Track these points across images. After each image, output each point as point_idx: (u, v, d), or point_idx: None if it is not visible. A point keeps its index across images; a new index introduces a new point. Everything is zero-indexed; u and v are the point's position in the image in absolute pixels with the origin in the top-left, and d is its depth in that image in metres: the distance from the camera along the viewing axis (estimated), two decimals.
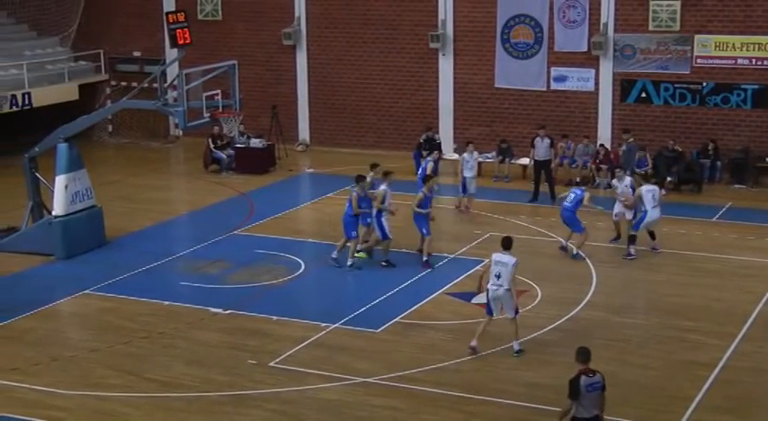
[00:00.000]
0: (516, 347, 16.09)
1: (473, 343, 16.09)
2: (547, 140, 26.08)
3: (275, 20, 32.36)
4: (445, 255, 21.18)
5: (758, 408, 14.32)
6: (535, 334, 16.96)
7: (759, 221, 23.82)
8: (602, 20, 28.81)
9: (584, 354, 12.16)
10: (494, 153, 28.86)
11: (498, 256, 16.17)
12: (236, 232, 23.15)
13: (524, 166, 28.36)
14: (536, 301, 18.53)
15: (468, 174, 24.51)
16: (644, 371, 15.45)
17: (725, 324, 17.34)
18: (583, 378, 11.98)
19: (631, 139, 26.33)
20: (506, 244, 16.34)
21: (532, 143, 26.35)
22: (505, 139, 29.01)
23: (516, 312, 16.21)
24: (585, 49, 29.13)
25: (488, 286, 16.15)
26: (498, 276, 15.99)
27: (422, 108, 31.28)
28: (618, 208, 21.87)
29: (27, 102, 30.67)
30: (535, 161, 26.18)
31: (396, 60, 31.37)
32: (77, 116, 23.00)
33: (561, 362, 15.85)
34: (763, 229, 23.26)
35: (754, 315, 17.79)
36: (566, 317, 17.74)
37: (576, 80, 29.38)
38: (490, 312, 16.23)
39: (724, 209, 24.95)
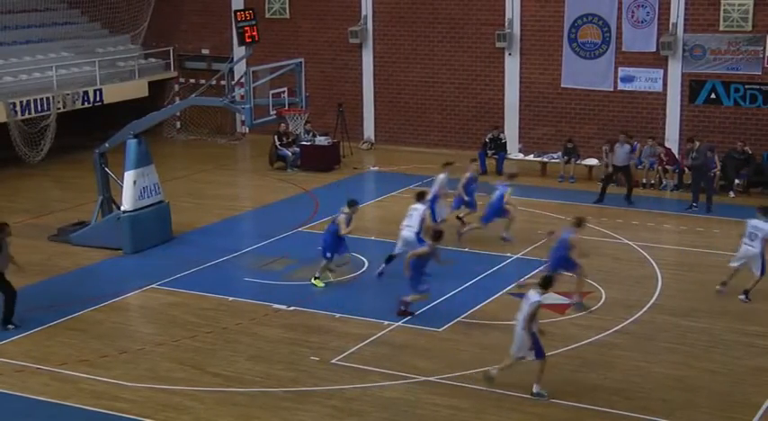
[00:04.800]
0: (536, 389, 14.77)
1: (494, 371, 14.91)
2: (627, 146, 25.71)
3: (342, 18, 32.51)
4: (509, 255, 21.14)
5: None
6: (599, 336, 16.83)
7: None
8: (672, 20, 28.49)
9: None
10: (559, 153, 28.70)
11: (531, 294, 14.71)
12: (300, 229, 23.32)
13: (590, 167, 28.15)
14: (600, 303, 18.39)
15: None
16: (710, 376, 15.26)
17: None
18: None
19: (698, 145, 25.67)
20: (544, 283, 14.84)
21: (612, 148, 25.98)
22: (571, 140, 28.83)
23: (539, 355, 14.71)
24: (654, 49, 28.83)
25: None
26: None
27: (487, 107, 31.20)
28: (742, 251, 18.55)
29: (98, 98, 31.22)
30: (614, 166, 25.79)
31: (462, 59, 31.33)
32: (147, 113, 23.35)
33: (625, 364, 15.77)
34: None
35: None
36: (630, 320, 17.59)
37: (644, 81, 29.09)
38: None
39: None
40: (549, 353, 15.95)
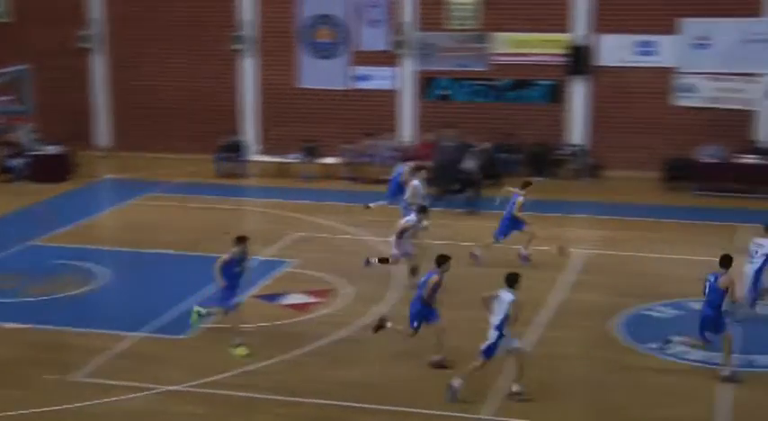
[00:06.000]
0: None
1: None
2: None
3: (71, 22, 31.26)
4: (251, 257, 20.88)
5: (553, 393, 14.63)
6: (345, 332, 16.90)
7: (556, 212, 24.59)
8: (403, 19, 29.21)
9: None
10: (300, 154, 28.78)
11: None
12: (32, 242, 22.19)
13: (329, 165, 28.45)
14: (344, 300, 18.49)
15: None
16: (454, 363, 15.58)
17: (525, 312, 17.61)
18: None
19: (452, 133, 26.37)
20: (511, 280, 14.31)
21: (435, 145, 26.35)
22: (311, 139, 29.00)
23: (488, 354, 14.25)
24: (387, 47, 29.46)
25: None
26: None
27: (226, 110, 30.88)
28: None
29: None
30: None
31: (199, 62, 30.89)
32: None
33: (371, 358, 15.90)
34: (559, 219, 24.04)
35: (550, 302, 18.27)
36: (377, 315, 17.70)
37: (379, 79, 29.68)
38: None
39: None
40: (298, 352, 15.97)
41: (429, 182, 24.85)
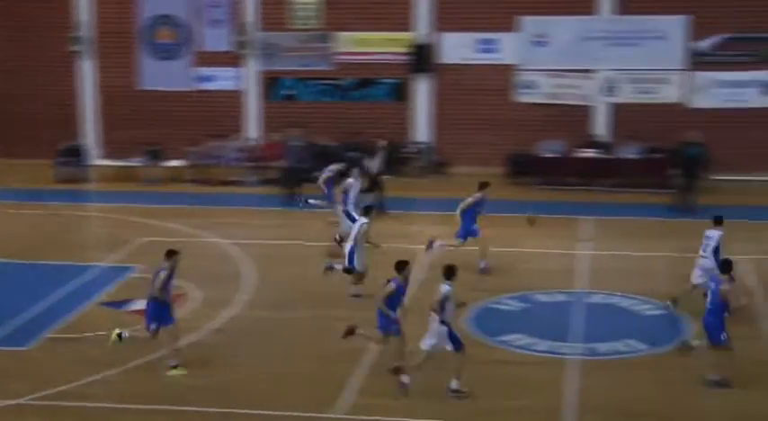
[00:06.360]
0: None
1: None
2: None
3: None
4: (95, 263, 20.38)
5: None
6: (194, 336, 16.62)
7: (403, 209, 24.78)
8: (246, 19, 28.98)
9: None
10: (143, 157, 28.21)
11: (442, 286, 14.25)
12: None
13: (174, 168, 28.03)
14: (194, 304, 18.20)
15: None
16: (306, 364, 15.52)
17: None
18: None
19: (297, 133, 26.31)
20: (448, 273, 14.32)
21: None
22: (155, 142, 28.46)
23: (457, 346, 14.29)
24: (230, 48, 29.19)
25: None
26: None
27: (65, 113, 30.02)
28: (699, 264, 17.16)
29: None
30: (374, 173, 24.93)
31: (34, 63, 30.01)
32: None
33: (222, 363, 15.68)
34: (406, 216, 24.25)
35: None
36: (226, 318, 17.55)
37: (223, 80, 29.42)
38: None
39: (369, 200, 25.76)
40: (147, 359, 15.61)
41: (279, 182, 24.89)
